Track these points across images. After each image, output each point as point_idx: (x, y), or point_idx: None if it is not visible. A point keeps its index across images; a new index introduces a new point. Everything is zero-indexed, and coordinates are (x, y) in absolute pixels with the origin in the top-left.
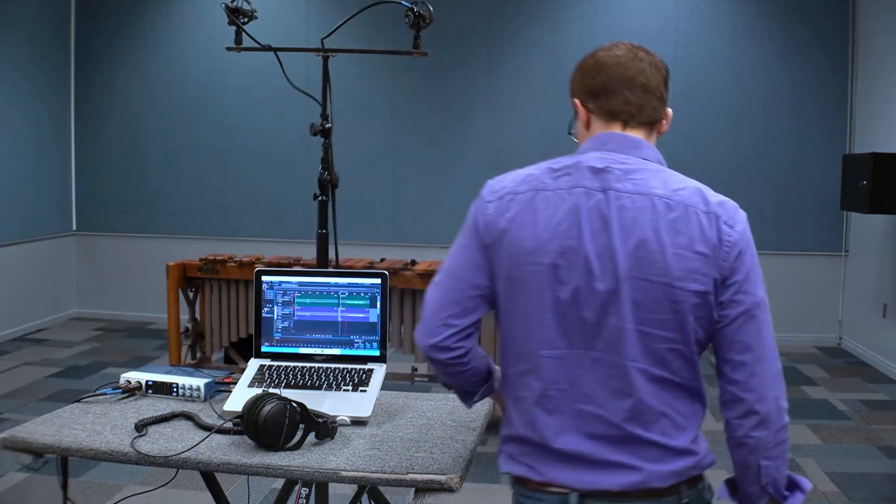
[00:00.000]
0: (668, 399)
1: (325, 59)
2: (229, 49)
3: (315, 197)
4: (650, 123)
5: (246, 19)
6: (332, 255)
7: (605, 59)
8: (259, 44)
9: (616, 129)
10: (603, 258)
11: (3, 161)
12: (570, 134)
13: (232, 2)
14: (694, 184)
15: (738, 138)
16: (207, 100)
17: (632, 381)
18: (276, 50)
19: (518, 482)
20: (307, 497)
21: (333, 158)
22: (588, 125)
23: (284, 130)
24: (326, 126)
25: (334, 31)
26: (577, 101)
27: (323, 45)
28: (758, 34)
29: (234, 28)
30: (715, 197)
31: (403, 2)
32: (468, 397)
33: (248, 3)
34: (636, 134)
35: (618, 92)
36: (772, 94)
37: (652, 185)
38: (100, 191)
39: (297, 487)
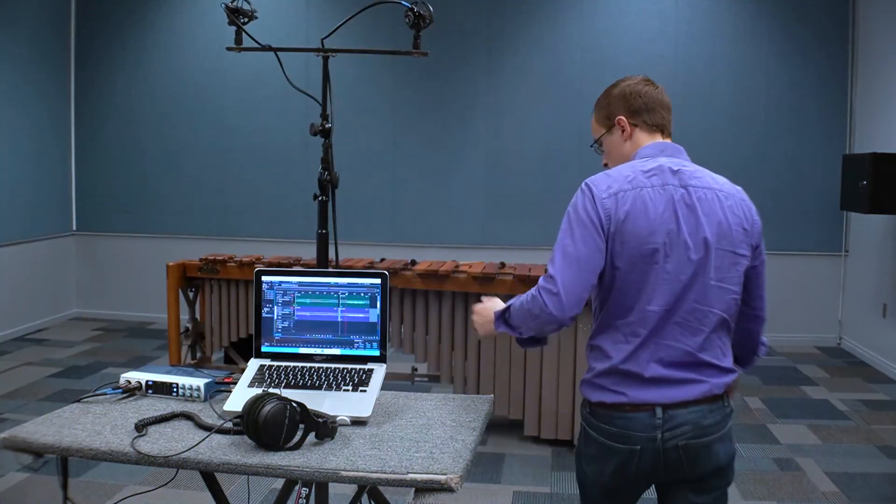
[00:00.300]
0: (722, 333)
1: (325, 59)
2: (229, 49)
3: (315, 197)
4: (670, 135)
5: (246, 19)
6: (332, 255)
7: (637, 87)
8: (259, 44)
9: (658, 139)
10: (693, 236)
11: (3, 161)
12: (591, 147)
13: (232, 2)
14: (726, 179)
15: (738, 138)
16: (207, 100)
17: (708, 322)
18: (276, 50)
19: (607, 407)
20: (307, 497)
21: (333, 158)
22: (631, 136)
23: (284, 130)
24: (326, 126)
25: (334, 31)
26: (622, 118)
27: (323, 45)
28: (758, 34)
29: (234, 28)
30: (739, 188)
31: (403, 2)
32: (540, 342)
33: (248, 3)
34: (669, 141)
35: (657, 110)
36: (772, 94)
37: (709, 181)
38: (100, 191)
39: (297, 487)
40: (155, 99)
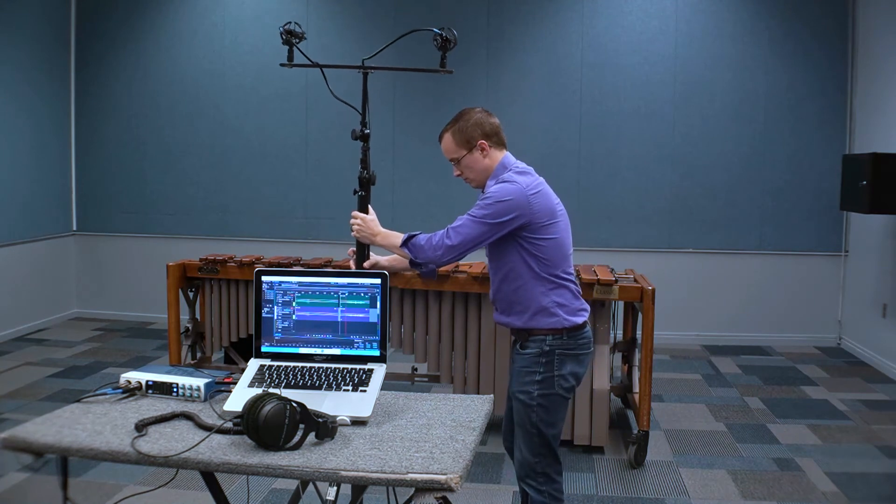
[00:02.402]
0: None
1: (365, 75)
2: (283, 65)
3: (355, 192)
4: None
5: (297, 40)
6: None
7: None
8: (310, 60)
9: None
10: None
11: (3, 161)
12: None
13: (286, 25)
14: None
15: (738, 138)
16: (207, 100)
17: None
18: (322, 66)
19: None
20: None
21: (370, 160)
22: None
23: (284, 130)
24: (365, 132)
25: (377, 53)
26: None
27: (363, 64)
28: (758, 34)
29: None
30: None
31: (434, 28)
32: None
33: (299, 26)
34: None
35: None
36: (772, 94)
37: None
38: (100, 191)
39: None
40: (155, 99)
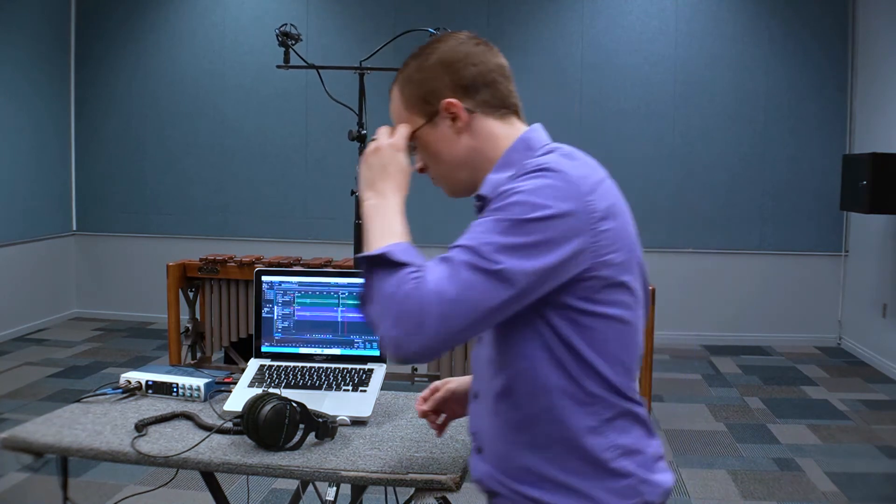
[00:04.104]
0: None
1: (361, 76)
2: (279, 67)
3: (352, 193)
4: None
5: (293, 41)
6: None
7: (471, 48)
8: (305, 62)
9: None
10: None
11: (3, 161)
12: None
13: (282, 27)
14: None
15: (738, 138)
16: (207, 100)
17: None
18: (318, 67)
19: None
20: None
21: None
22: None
23: (284, 130)
24: (362, 133)
25: (374, 53)
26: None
27: (360, 65)
28: (758, 34)
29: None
30: None
31: (429, 29)
32: None
33: (295, 27)
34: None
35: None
36: (772, 94)
37: None
38: (100, 191)
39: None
40: (155, 99)
